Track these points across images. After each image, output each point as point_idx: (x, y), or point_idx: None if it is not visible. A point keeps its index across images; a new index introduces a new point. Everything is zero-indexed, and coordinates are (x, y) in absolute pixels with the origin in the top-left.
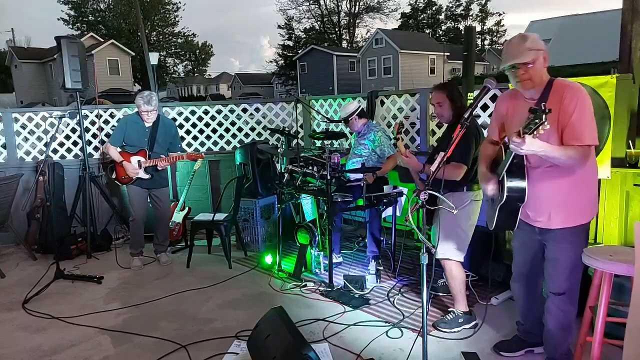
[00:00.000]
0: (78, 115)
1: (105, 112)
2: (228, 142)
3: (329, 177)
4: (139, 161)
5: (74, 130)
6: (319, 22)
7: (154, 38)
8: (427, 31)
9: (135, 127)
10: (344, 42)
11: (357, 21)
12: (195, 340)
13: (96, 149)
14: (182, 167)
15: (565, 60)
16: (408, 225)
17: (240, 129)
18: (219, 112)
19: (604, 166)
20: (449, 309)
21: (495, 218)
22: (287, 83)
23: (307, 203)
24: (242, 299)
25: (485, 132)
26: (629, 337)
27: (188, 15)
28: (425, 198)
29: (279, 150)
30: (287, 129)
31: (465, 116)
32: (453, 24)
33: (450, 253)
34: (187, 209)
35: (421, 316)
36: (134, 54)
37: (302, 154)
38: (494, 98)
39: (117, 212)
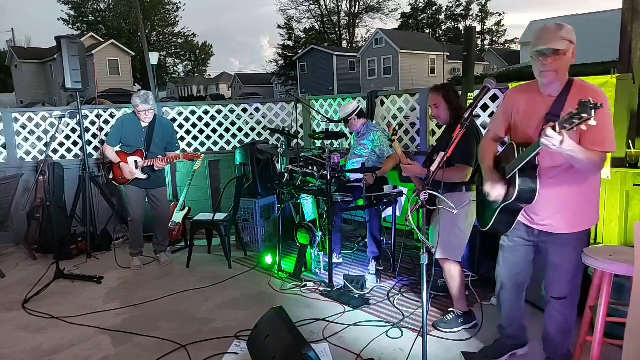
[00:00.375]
0: (78, 115)
1: (105, 112)
2: (228, 142)
3: (329, 177)
4: (135, 161)
5: (74, 130)
6: (319, 22)
7: (154, 38)
8: (427, 31)
9: (132, 127)
10: (344, 42)
11: (357, 21)
12: (195, 340)
13: (96, 149)
14: (182, 167)
15: None
16: (408, 225)
17: (240, 129)
18: (219, 112)
19: (604, 166)
20: (449, 309)
21: (494, 218)
22: (287, 83)
23: (307, 203)
24: (242, 299)
25: (483, 132)
26: (629, 337)
27: (188, 15)
28: (425, 198)
29: (279, 150)
30: (287, 129)
31: (465, 116)
32: (453, 24)
33: (449, 253)
34: (187, 209)
35: (421, 316)
36: (134, 54)
37: (302, 154)
38: (494, 98)
39: (117, 212)
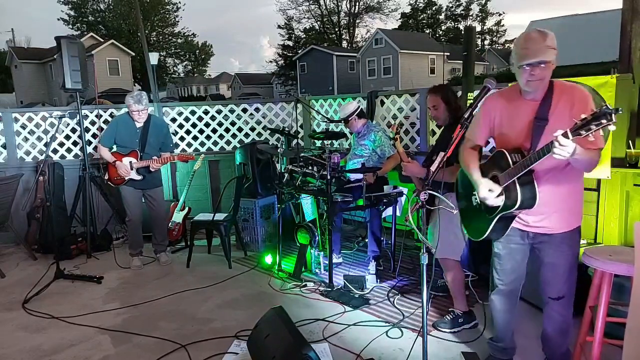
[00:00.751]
0: (78, 115)
1: (105, 112)
2: (228, 142)
3: (329, 177)
4: (130, 162)
5: (74, 130)
6: (318, 22)
7: (154, 38)
8: (427, 31)
9: (126, 127)
10: (344, 42)
11: (357, 21)
12: (195, 340)
13: (96, 149)
14: (182, 167)
15: (565, 60)
16: (408, 225)
17: (240, 129)
18: (219, 112)
19: (604, 166)
20: (449, 309)
21: (492, 226)
22: (287, 83)
23: (307, 203)
24: (242, 299)
25: None
26: (629, 337)
27: (188, 16)
28: (425, 198)
29: (279, 150)
30: (287, 129)
31: (465, 116)
32: (453, 24)
33: (449, 252)
34: (187, 209)
35: (421, 316)
36: (133, 54)
37: (302, 154)
38: None
39: (117, 212)
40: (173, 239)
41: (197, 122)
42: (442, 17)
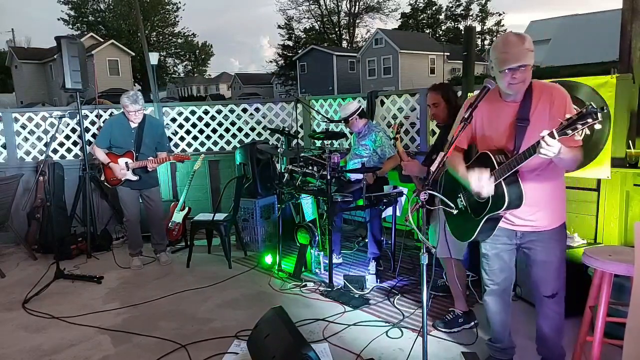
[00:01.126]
0: (78, 115)
1: (105, 112)
2: (228, 142)
3: (329, 177)
4: (126, 163)
5: (74, 130)
6: (319, 22)
7: (154, 38)
8: (427, 31)
9: (120, 128)
10: (344, 42)
11: (357, 21)
12: (195, 340)
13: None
14: (182, 167)
15: (565, 60)
16: (408, 225)
17: (240, 129)
18: (219, 112)
19: (604, 166)
20: (449, 309)
21: (480, 227)
22: (287, 83)
23: (307, 203)
24: (242, 299)
25: None
26: (629, 337)
27: (188, 16)
28: (425, 198)
29: (279, 150)
30: (287, 129)
31: (466, 116)
32: (453, 24)
33: (450, 252)
34: (187, 209)
35: (421, 316)
36: (134, 54)
37: (302, 154)
38: None
39: (116, 212)
40: (173, 239)
41: (197, 122)
42: (442, 17)
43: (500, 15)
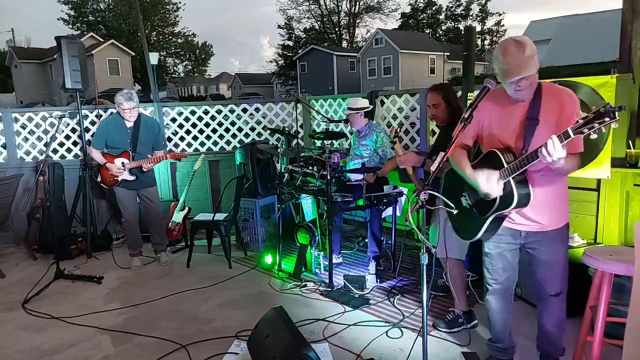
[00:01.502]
0: (78, 115)
1: (105, 112)
2: (228, 142)
3: (329, 177)
4: (122, 163)
5: (74, 130)
6: (319, 22)
7: (154, 38)
8: (427, 31)
9: (116, 128)
10: (344, 42)
11: (357, 21)
12: (195, 340)
13: None
14: (182, 167)
15: (565, 60)
16: (408, 225)
17: (240, 129)
18: (219, 112)
19: (604, 166)
20: (449, 309)
21: (486, 226)
22: (287, 83)
23: (307, 203)
24: (242, 299)
25: None
26: (629, 337)
27: (188, 15)
28: (425, 198)
29: (279, 150)
30: (287, 129)
31: (466, 116)
32: (453, 24)
33: (451, 252)
34: (187, 209)
35: (421, 316)
36: (134, 54)
37: (302, 154)
38: None
39: (116, 212)
40: (173, 239)
41: (197, 122)
42: (442, 17)
43: (500, 15)
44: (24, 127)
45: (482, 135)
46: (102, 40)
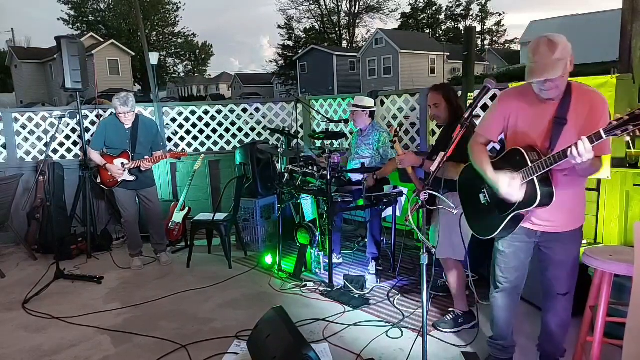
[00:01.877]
0: (78, 115)
1: (105, 112)
2: (228, 142)
3: (329, 177)
4: (122, 163)
5: (74, 130)
6: (319, 22)
7: (154, 38)
8: (427, 31)
9: (114, 129)
10: (344, 42)
11: (357, 21)
12: (196, 340)
13: None
14: (182, 167)
15: None
16: (408, 225)
17: (240, 129)
18: (219, 112)
19: (603, 166)
20: (449, 309)
21: (504, 224)
22: (287, 83)
23: (307, 203)
24: (242, 299)
25: None
26: (629, 337)
27: (188, 15)
28: (425, 198)
29: (279, 150)
30: (287, 129)
31: (466, 116)
32: (453, 24)
33: (451, 252)
34: (187, 209)
35: (421, 316)
36: (134, 54)
37: (302, 154)
38: (494, 98)
39: (116, 212)
40: (173, 239)
41: (197, 122)
42: (442, 17)
43: (500, 15)
44: (24, 127)
45: (506, 133)
46: (102, 40)
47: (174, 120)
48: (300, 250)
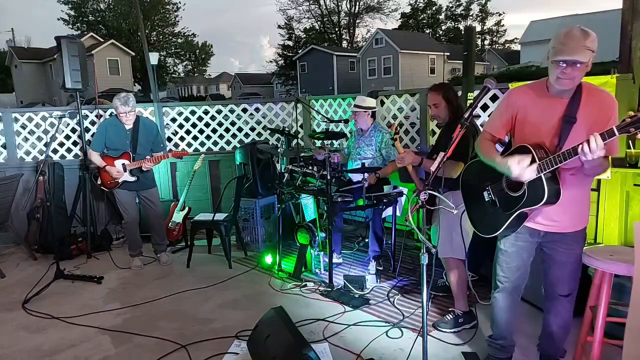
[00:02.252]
0: (78, 115)
1: (105, 112)
2: (228, 142)
3: (329, 177)
4: (123, 164)
5: (74, 130)
6: (319, 22)
7: (154, 38)
8: (427, 31)
9: (115, 130)
10: (344, 42)
11: (357, 21)
12: (196, 340)
13: None
14: (182, 167)
15: None
16: (408, 225)
17: (240, 129)
18: (219, 112)
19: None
20: (449, 309)
21: (509, 222)
22: (287, 83)
23: (307, 203)
24: (242, 299)
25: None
26: (629, 337)
27: (188, 15)
28: (425, 198)
29: (279, 150)
30: (287, 129)
31: (466, 116)
32: (453, 24)
33: (452, 252)
34: (187, 209)
35: (421, 316)
36: (134, 54)
37: (302, 154)
38: (494, 98)
39: (117, 213)
40: (173, 239)
41: (197, 122)
42: (442, 17)
43: (500, 15)
44: (24, 127)
45: (513, 130)
46: (102, 40)
47: (174, 120)
48: (300, 250)
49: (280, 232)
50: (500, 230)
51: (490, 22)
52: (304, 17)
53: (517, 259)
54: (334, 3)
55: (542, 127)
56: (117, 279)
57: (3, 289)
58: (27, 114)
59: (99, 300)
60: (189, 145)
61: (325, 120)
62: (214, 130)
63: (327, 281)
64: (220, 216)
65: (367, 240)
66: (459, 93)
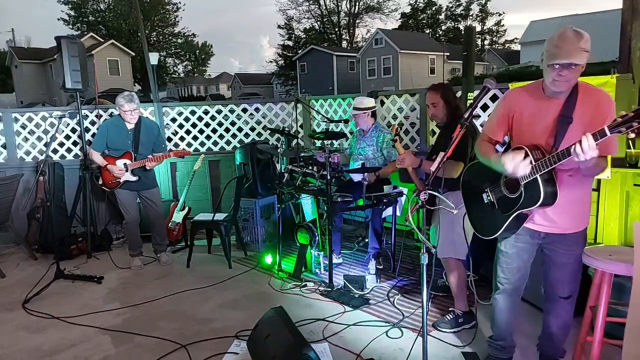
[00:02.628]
0: (78, 115)
1: (105, 112)
2: (228, 142)
3: (329, 177)
4: (125, 164)
5: (74, 130)
6: (318, 22)
7: (154, 38)
8: (427, 31)
9: (117, 130)
10: (344, 42)
11: (357, 21)
12: (196, 340)
13: None
14: (182, 167)
15: None
16: (408, 225)
17: (240, 129)
18: (219, 112)
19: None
20: (449, 309)
21: (507, 224)
22: (287, 83)
23: (307, 203)
24: (242, 299)
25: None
26: (628, 337)
27: (188, 16)
28: (425, 198)
29: (279, 150)
30: (287, 129)
31: (466, 116)
32: (453, 24)
33: (452, 252)
34: (187, 209)
35: (421, 316)
36: (134, 54)
37: (302, 154)
38: (494, 98)
39: (117, 212)
40: (173, 239)
41: (197, 122)
42: (442, 17)
43: (500, 15)
44: (24, 127)
45: (511, 132)
46: (102, 40)
47: (174, 120)
48: (300, 250)
49: (280, 232)
50: (500, 232)
51: (490, 22)
52: (304, 17)
53: (518, 260)
54: (333, 3)
55: (538, 128)
56: (117, 279)
57: (3, 289)
58: (27, 114)
59: (99, 300)
60: (189, 145)
61: (325, 120)
62: (214, 130)
63: (327, 281)
64: (220, 216)
65: (367, 240)
66: (459, 93)
